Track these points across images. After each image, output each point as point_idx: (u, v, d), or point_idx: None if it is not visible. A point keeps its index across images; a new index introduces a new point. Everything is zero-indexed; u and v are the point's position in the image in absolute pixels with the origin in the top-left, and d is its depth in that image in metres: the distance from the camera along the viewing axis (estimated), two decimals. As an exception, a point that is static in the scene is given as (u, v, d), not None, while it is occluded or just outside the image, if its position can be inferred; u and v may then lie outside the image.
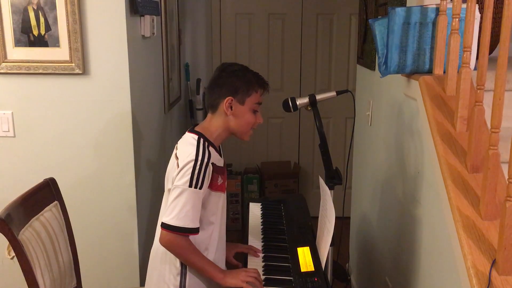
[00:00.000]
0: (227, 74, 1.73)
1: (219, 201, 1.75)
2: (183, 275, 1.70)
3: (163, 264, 1.73)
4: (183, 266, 1.70)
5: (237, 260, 1.95)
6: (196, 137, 1.69)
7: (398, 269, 2.12)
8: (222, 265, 1.82)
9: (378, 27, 1.83)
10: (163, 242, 1.64)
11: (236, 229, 4.00)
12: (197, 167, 1.60)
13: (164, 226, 1.61)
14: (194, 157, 1.61)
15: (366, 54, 2.79)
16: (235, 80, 1.71)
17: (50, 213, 1.84)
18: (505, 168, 1.28)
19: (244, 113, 1.73)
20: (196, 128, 1.75)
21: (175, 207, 1.60)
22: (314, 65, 4.28)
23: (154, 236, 1.80)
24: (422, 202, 1.81)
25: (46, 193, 1.87)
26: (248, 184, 4.19)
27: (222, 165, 1.75)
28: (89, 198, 2.31)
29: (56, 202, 1.90)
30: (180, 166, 1.62)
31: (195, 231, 1.63)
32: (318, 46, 4.25)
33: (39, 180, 1.89)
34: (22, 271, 1.60)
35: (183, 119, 3.83)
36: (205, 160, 1.62)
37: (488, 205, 1.35)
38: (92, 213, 2.32)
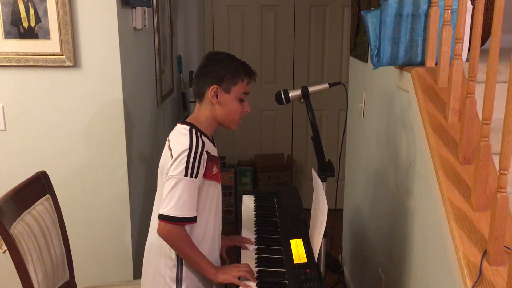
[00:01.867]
0: (213, 62, 1.73)
1: (214, 190, 1.75)
2: (179, 267, 1.70)
3: (159, 257, 1.73)
4: (179, 257, 1.70)
5: (230, 252, 1.95)
6: (187, 127, 1.69)
7: (391, 260, 2.14)
8: (218, 256, 1.83)
9: (371, 19, 1.83)
10: (161, 234, 1.63)
11: (229, 221, 4.00)
12: (192, 156, 1.60)
13: (162, 217, 1.61)
14: (188, 146, 1.61)
15: (359, 46, 2.79)
16: (221, 68, 1.70)
17: (42, 206, 1.83)
18: (496, 160, 1.28)
19: (230, 101, 1.72)
20: (187, 119, 1.75)
21: (172, 198, 1.59)
22: (307, 57, 4.27)
23: (148, 230, 1.79)
24: (414, 194, 1.81)
25: (38, 186, 1.86)
26: (241, 176, 4.20)
27: (216, 154, 1.75)
28: (81, 191, 2.30)
29: (48, 195, 1.89)
30: (174, 156, 1.61)
31: (193, 220, 1.63)
32: (311, 38, 4.24)
33: (31, 173, 1.88)
34: (14, 265, 1.59)
35: (176, 112, 3.81)
36: (199, 148, 1.62)
37: (479, 196, 1.36)
38: (84, 206, 2.31)
